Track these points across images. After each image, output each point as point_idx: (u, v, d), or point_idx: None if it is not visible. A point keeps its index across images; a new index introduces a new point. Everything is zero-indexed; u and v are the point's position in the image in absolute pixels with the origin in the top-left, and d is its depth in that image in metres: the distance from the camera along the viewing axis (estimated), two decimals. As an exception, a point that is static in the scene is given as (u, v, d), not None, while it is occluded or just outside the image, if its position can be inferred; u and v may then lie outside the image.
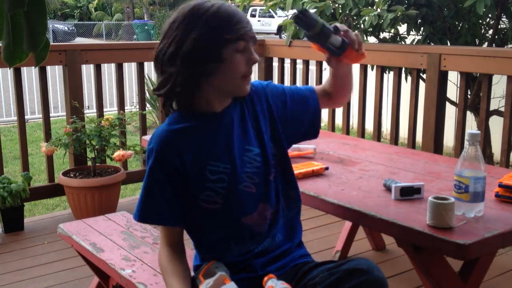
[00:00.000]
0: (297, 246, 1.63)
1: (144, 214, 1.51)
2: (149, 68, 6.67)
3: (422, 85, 3.43)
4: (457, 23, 3.92)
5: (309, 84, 4.67)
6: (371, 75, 3.80)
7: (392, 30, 4.04)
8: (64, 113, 4.23)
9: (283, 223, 1.58)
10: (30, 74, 9.03)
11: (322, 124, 4.25)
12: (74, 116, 3.61)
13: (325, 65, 4.16)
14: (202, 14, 1.42)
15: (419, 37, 3.97)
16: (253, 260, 1.53)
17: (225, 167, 1.48)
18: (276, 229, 1.56)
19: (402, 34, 4.11)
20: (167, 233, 1.53)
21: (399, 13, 3.45)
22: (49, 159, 3.73)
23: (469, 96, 3.91)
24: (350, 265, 1.37)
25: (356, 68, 3.73)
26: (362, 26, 3.92)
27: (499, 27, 3.89)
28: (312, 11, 3.90)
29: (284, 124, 1.60)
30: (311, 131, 1.68)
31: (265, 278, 1.39)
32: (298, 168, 2.01)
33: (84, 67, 4.14)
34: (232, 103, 1.54)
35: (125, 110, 3.92)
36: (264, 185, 1.53)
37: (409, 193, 1.76)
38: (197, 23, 1.41)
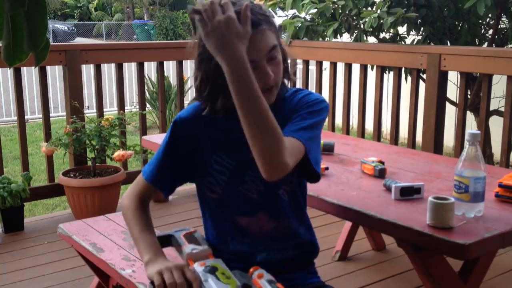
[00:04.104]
0: (308, 264, 1.61)
1: (145, 171, 1.58)
2: (149, 68, 6.69)
3: (422, 85, 3.43)
4: (457, 23, 3.92)
5: (309, 84, 4.66)
6: (371, 75, 3.80)
7: (392, 30, 4.05)
8: (64, 113, 4.23)
9: (292, 242, 1.56)
10: (30, 74, 9.03)
11: (322, 124, 4.27)
12: (74, 116, 3.61)
13: (325, 65, 4.19)
14: None
15: (419, 37, 3.97)
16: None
17: (229, 163, 1.50)
18: (281, 244, 1.55)
19: (402, 34, 4.11)
20: (145, 188, 1.57)
21: (399, 15, 3.45)
22: (49, 159, 3.73)
23: (469, 96, 3.91)
24: None
25: (356, 68, 3.76)
26: (362, 26, 3.92)
27: (499, 27, 3.90)
28: (312, 11, 3.91)
29: None
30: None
31: (251, 269, 1.38)
32: (298, 168, 2.01)
33: (84, 67, 4.14)
34: None
35: (125, 110, 3.92)
36: (269, 196, 1.51)
37: (409, 193, 1.76)
38: None
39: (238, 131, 1.45)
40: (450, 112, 4.09)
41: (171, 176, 1.56)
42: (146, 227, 1.51)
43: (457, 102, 3.54)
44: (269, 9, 4.15)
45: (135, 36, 26.46)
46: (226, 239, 1.56)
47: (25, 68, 4.86)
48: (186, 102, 6.19)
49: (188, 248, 1.44)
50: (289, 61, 1.51)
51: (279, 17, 4.64)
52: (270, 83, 1.40)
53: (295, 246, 1.56)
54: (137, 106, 4.06)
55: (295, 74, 4.24)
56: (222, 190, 1.52)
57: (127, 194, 1.59)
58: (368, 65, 3.83)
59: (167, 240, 1.55)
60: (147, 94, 6.69)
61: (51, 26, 25.16)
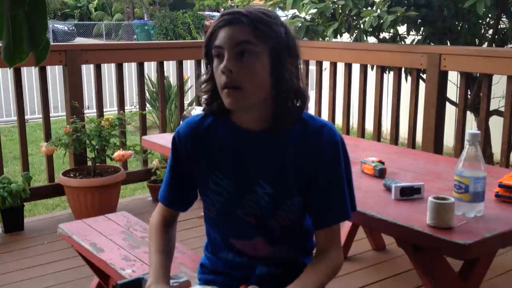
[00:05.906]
0: None
1: (160, 193, 1.58)
2: (149, 68, 6.69)
3: (422, 85, 3.43)
4: (457, 23, 3.93)
5: (309, 84, 4.66)
6: (371, 75, 3.80)
7: (392, 30, 4.05)
8: (64, 113, 4.23)
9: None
10: (30, 74, 9.01)
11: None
12: (74, 116, 3.61)
13: (325, 65, 4.19)
14: None
15: (419, 37, 3.97)
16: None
17: (227, 184, 1.44)
18: (277, 267, 1.50)
19: (402, 34, 4.11)
20: (165, 210, 1.57)
21: (399, 14, 3.45)
22: (49, 159, 3.73)
23: (469, 96, 3.91)
24: None
25: (356, 68, 3.76)
26: (362, 26, 3.92)
27: (499, 27, 3.90)
28: (312, 11, 3.91)
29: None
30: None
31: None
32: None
33: (84, 67, 4.14)
34: (270, 133, 1.40)
35: (125, 110, 3.92)
36: (265, 222, 1.44)
37: (409, 193, 1.76)
38: None
39: (244, 149, 1.42)
40: (450, 112, 4.09)
41: (183, 193, 1.53)
42: (161, 248, 1.50)
43: (457, 102, 3.54)
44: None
45: (135, 36, 26.47)
46: (225, 249, 1.52)
47: (25, 68, 4.86)
48: (186, 102, 6.20)
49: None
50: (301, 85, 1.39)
51: (279, 17, 4.62)
52: (234, 80, 1.31)
53: (293, 269, 1.46)
54: (137, 106, 4.07)
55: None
56: (216, 211, 1.47)
57: (154, 212, 1.60)
58: (368, 65, 3.83)
59: (137, 285, 1.50)
60: (147, 94, 6.68)
61: (51, 26, 25.16)
